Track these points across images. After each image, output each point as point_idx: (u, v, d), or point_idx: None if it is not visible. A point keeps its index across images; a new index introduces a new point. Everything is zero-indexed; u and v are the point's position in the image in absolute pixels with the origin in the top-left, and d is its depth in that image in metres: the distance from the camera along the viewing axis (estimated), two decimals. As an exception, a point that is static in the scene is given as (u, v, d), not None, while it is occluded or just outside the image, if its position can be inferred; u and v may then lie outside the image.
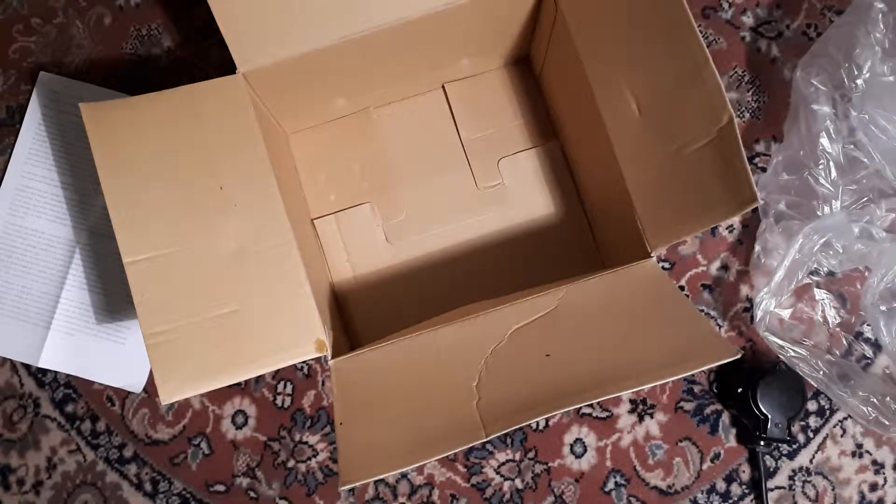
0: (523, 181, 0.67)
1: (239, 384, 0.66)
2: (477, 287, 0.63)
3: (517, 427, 0.45)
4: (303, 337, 0.50)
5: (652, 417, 0.66)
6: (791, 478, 0.66)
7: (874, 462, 0.66)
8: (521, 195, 0.67)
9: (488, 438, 0.44)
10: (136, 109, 0.51)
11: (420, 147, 0.68)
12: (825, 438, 0.66)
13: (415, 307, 0.65)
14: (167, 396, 0.48)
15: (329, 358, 0.51)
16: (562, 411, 0.64)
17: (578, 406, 0.51)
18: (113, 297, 0.67)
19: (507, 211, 0.67)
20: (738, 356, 0.44)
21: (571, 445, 0.66)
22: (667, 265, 0.68)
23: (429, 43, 0.60)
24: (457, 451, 0.54)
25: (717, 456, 0.66)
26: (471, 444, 0.47)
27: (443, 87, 0.68)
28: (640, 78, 0.51)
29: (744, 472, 0.66)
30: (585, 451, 0.66)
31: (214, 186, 0.51)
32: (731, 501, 0.65)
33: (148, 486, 0.65)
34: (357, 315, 0.66)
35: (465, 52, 0.65)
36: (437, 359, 0.51)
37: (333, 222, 0.67)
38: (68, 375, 0.66)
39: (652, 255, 0.53)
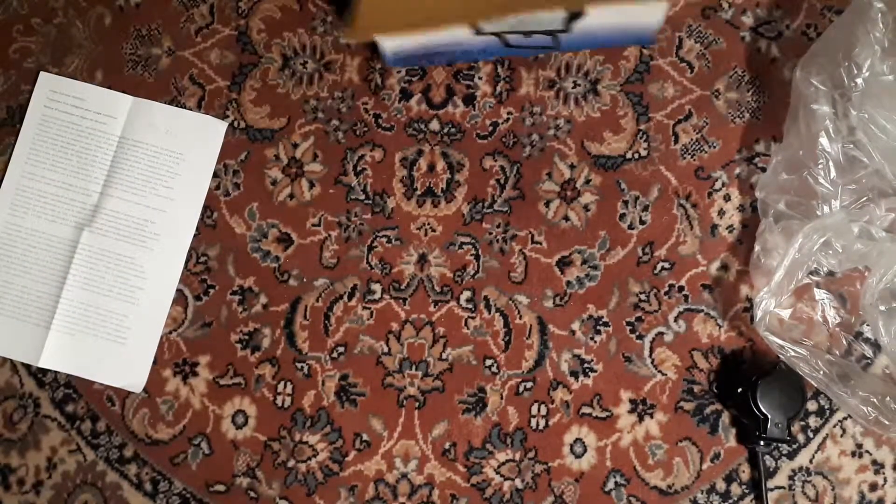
0: None
1: (239, 384, 0.66)
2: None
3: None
4: None
5: (652, 417, 0.66)
6: (791, 478, 0.66)
7: (874, 462, 0.66)
8: None
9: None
10: None
11: None
12: (825, 438, 0.66)
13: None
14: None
15: None
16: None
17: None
18: (113, 296, 0.67)
19: None
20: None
21: (571, 445, 0.66)
22: (667, 265, 0.68)
23: None
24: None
25: (717, 456, 0.66)
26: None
27: None
28: None
29: (744, 471, 0.66)
30: (585, 451, 0.66)
31: None
32: (731, 501, 0.65)
33: (148, 486, 0.65)
34: None
35: None
36: None
37: None
38: (68, 375, 0.66)
39: None
